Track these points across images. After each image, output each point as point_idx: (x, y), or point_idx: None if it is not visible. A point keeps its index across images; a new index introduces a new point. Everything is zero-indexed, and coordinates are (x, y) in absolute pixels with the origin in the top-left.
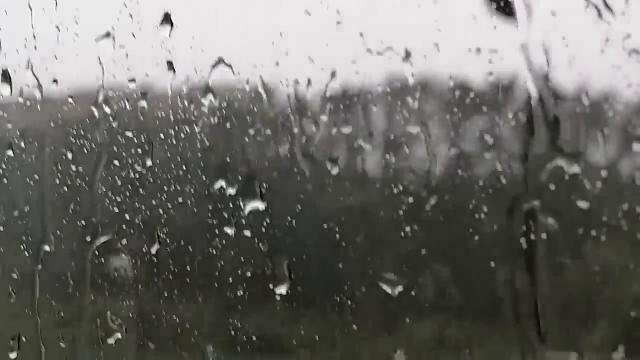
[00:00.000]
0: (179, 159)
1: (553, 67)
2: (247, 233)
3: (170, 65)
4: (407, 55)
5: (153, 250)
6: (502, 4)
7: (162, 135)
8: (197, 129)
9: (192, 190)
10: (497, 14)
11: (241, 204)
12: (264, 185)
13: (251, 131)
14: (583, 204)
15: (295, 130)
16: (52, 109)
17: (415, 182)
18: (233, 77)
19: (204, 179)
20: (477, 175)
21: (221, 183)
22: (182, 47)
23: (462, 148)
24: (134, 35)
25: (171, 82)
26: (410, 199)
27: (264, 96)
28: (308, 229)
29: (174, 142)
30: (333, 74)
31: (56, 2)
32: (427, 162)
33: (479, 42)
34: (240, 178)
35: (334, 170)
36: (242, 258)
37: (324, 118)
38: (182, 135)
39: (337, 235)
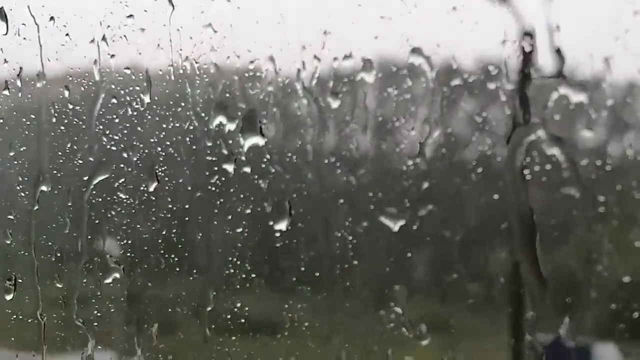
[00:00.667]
0: (178, 96)
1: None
2: (247, 169)
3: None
4: None
5: (151, 189)
6: None
7: (160, 72)
8: (196, 66)
9: (191, 127)
10: None
11: (241, 139)
12: (264, 121)
13: (251, 66)
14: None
15: (297, 65)
16: (49, 46)
17: (416, 118)
18: (232, 12)
19: (203, 115)
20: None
21: (220, 119)
22: None
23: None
24: None
25: (170, 17)
26: (412, 133)
27: (265, 30)
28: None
29: (173, 78)
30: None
31: None
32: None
33: None
34: (239, 114)
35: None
36: (242, 195)
37: (325, 52)
38: (181, 72)
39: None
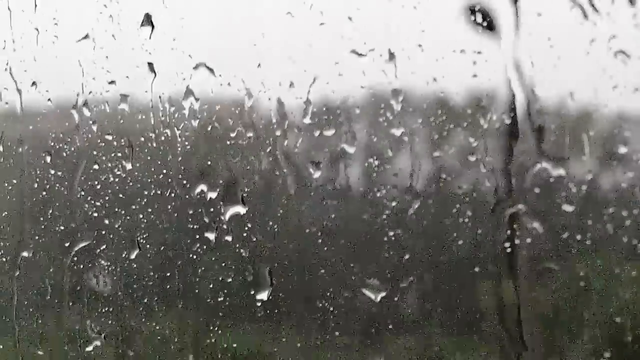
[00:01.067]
0: (160, 163)
1: (538, 70)
2: (228, 238)
3: (150, 66)
4: (391, 56)
5: (132, 255)
6: (482, 18)
7: (142, 138)
8: (177, 132)
9: (172, 195)
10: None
11: (222, 208)
12: (246, 189)
13: (232, 134)
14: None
15: (278, 133)
16: (31, 112)
17: (398, 188)
18: (214, 80)
19: (185, 183)
20: (461, 178)
21: (202, 187)
22: (163, 49)
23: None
24: (114, 37)
25: (152, 84)
26: (394, 203)
27: (246, 99)
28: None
29: (155, 145)
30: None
31: (35, 4)
32: (410, 167)
33: (463, 44)
34: (221, 182)
35: (316, 174)
36: (223, 263)
37: (306, 121)
38: (163, 139)
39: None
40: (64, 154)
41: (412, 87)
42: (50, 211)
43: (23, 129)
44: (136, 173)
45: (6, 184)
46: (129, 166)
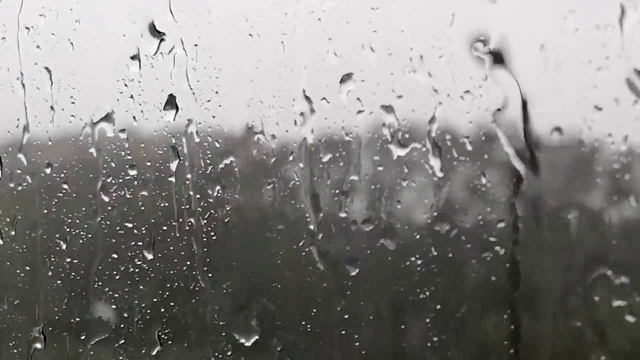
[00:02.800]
0: (183, 253)
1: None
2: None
3: (174, 150)
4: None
5: (153, 352)
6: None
7: (164, 227)
8: (202, 222)
9: (197, 288)
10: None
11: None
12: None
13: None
14: None
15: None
16: (46, 195)
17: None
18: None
19: (211, 275)
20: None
21: (228, 280)
22: (188, 132)
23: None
24: (135, 119)
25: (176, 169)
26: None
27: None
28: None
29: (178, 235)
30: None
31: (51, 81)
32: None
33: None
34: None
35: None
36: None
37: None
38: (187, 228)
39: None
40: (81, 241)
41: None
42: (65, 301)
43: (37, 212)
44: (158, 264)
45: (18, 271)
46: (149, 256)
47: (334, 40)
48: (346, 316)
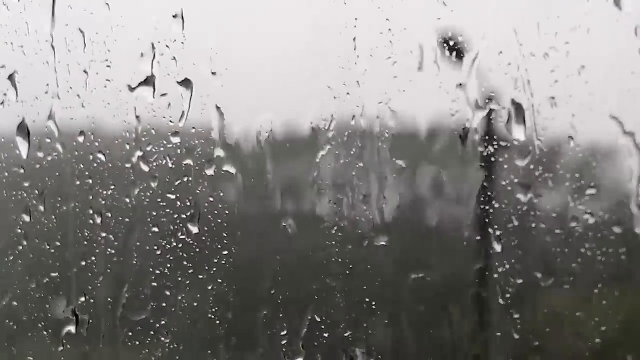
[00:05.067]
0: (227, 225)
1: None
2: None
3: (219, 110)
4: None
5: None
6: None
7: (210, 198)
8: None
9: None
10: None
11: None
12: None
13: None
14: None
15: None
16: (79, 166)
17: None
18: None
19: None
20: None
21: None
22: (233, 96)
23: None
24: (178, 83)
25: (221, 131)
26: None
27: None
28: None
29: (221, 205)
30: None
31: (84, 43)
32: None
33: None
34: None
35: None
36: None
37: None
38: (232, 198)
39: None
40: (117, 215)
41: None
42: (100, 279)
43: (69, 185)
44: (203, 237)
45: (48, 247)
46: (194, 229)
47: None
48: None
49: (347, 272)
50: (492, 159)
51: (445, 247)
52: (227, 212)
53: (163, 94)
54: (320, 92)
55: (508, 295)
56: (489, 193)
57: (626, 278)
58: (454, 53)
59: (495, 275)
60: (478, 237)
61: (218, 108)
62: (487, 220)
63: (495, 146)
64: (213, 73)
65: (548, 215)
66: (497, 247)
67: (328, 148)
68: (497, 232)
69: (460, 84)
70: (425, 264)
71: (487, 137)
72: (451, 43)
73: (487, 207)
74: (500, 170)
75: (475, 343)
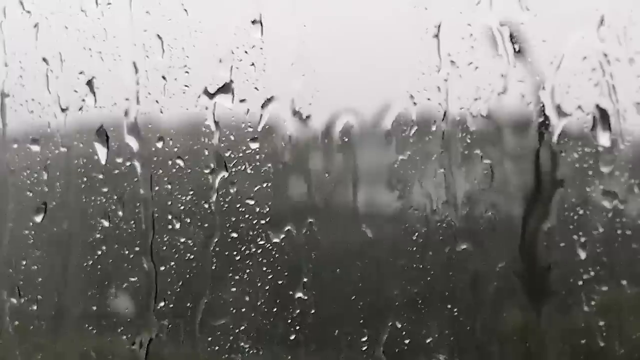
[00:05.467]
0: (306, 231)
1: None
2: None
3: (302, 117)
4: None
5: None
6: None
7: (289, 204)
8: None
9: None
10: None
11: None
12: None
13: None
14: None
15: None
16: (158, 171)
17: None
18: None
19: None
20: None
21: None
22: (313, 101)
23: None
24: (256, 89)
25: (299, 136)
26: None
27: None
28: None
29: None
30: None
31: (163, 49)
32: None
33: None
34: None
35: None
36: None
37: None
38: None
39: None
40: (197, 220)
41: None
42: (180, 285)
43: (148, 190)
44: (285, 247)
45: (127, 252)
46: (275, 239)
47: None
48: None
49: (429, 278)
50: (577, 165)
51: (527, 254)
52: (305, 218)
53: (242, 100)
54: (401, 97)
55: (593, 303)
56: (573, 199)
57: None
58: (537, 59)
59: (580, 283)
60: (562, 244)
61: (296, 112)
62: (571, 227)
63: (580, 152)
64: (292, 78)
65: (634, 223)
66: (582, 255)
67: (408, 154)
68: (582, 239)
69: (544, 88)
70: (508, 270)
71: (571, 143)
72: (535, 49)
73: (571, 214)
74: (584, 177)
75: (560, 352)
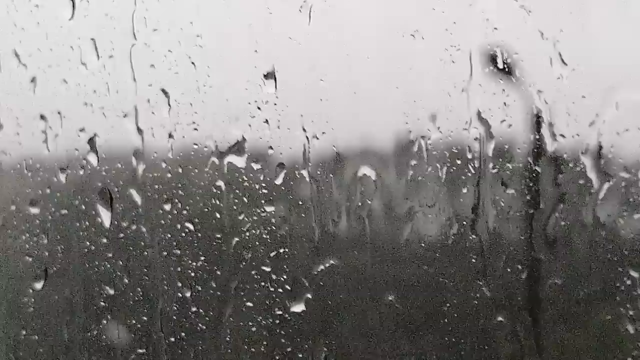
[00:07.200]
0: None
1: None
2: None
3: (316, 185)
4: None
5: None
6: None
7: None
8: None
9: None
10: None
11: None
12: None
13: None
14: None
15: None
16: (165, 236)
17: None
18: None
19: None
20: None
21: None
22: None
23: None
24: (271, 147)
25: (321, 199)
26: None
27: None
28: None
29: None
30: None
31: (169, 105)
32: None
33: None
34: None
35: None
36: None
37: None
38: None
39: None
40: (209, 288)
41: None
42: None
43: (154, 256)
44: (305, 316)
45: (134, 321)
46: (295, 309)
47: None
48: None
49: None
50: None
51: (563, 271)
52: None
53: (255, 160)
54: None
55: (632, 315)
56: (608, 214)
57: None
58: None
59: (618, 299)
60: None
61: (312, 178)
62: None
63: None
64: (307, 137)
65: None
66: (635, 274)
67: (429, 169)
68: (626, 252)
69: (574, 103)
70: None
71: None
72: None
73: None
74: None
75: None
